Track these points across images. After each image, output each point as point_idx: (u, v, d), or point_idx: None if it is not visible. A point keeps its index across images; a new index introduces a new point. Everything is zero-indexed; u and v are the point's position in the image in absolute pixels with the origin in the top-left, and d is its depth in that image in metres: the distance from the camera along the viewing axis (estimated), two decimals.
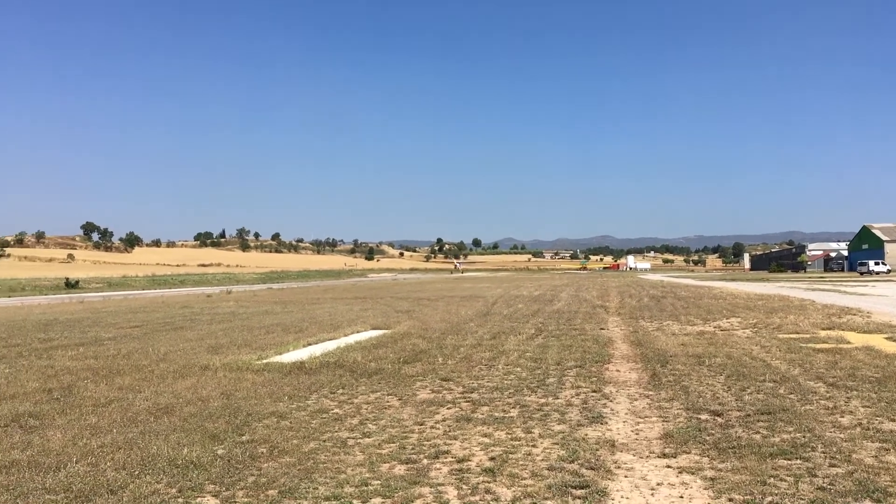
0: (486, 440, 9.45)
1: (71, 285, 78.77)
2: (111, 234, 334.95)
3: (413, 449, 9.06)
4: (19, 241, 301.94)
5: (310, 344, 20.39)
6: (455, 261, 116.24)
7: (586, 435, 9.69)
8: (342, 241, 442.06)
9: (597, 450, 8.93)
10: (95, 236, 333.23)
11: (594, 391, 12.86)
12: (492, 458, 8.58)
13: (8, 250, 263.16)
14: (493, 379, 14.20)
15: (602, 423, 10.36)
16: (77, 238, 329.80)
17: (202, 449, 8.88)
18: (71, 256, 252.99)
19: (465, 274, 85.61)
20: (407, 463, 8.47)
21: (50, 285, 79.47)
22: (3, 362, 16.85)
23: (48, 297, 55.58)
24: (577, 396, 12.40)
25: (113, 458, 8.47)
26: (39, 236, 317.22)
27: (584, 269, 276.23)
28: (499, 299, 45.78)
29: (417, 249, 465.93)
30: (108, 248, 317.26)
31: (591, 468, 8.17)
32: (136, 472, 7.97)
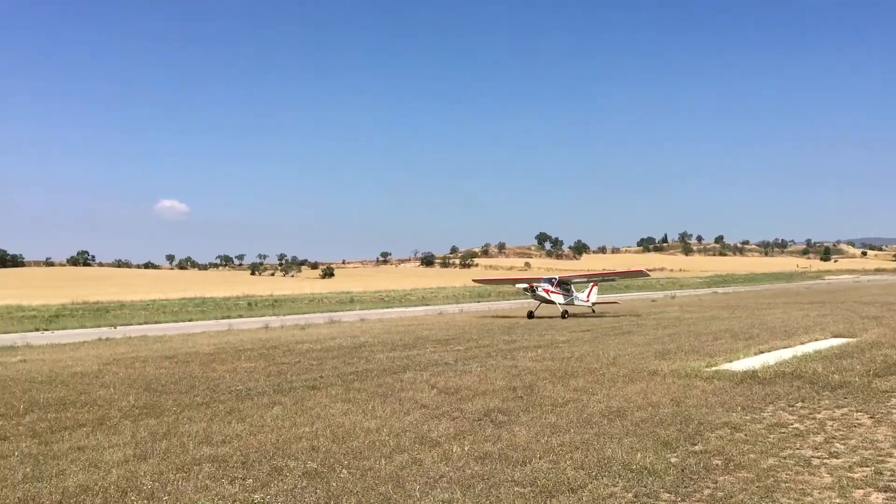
0: None
1: None
2: (561, 243, 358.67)
3: (892, 475, 7.96)
4: (485, 252, 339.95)
5: (762, 352, 19.29)
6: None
7: None
8: (792, 241, 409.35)
9: None
10: (548, 245, 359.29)
11: None
12: None
13: (476, 260, 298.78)
14: None
15: None
16: (532, 248, 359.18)
17: (655, 455, 8.90)
18: (527, 264, 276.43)
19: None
20: (885, 491, 7.47)
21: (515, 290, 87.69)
22: (476, 361, 18.99)
23: (510, 302, 61.36)
24: None
25: (571, 457, 8.94)
26: (501, 247, 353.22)
27: None
28: None
29: (884, 248, 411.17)
30: (558, 256, 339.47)
31: None
32: (594, 473, 8.29)
